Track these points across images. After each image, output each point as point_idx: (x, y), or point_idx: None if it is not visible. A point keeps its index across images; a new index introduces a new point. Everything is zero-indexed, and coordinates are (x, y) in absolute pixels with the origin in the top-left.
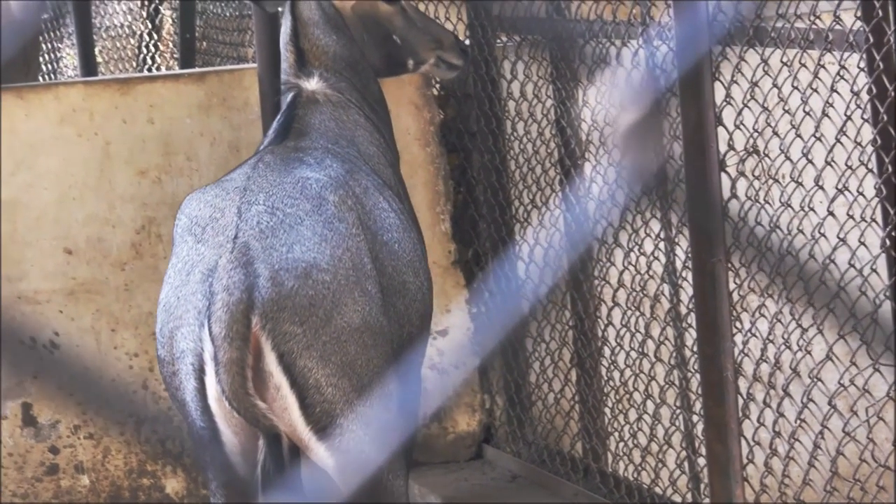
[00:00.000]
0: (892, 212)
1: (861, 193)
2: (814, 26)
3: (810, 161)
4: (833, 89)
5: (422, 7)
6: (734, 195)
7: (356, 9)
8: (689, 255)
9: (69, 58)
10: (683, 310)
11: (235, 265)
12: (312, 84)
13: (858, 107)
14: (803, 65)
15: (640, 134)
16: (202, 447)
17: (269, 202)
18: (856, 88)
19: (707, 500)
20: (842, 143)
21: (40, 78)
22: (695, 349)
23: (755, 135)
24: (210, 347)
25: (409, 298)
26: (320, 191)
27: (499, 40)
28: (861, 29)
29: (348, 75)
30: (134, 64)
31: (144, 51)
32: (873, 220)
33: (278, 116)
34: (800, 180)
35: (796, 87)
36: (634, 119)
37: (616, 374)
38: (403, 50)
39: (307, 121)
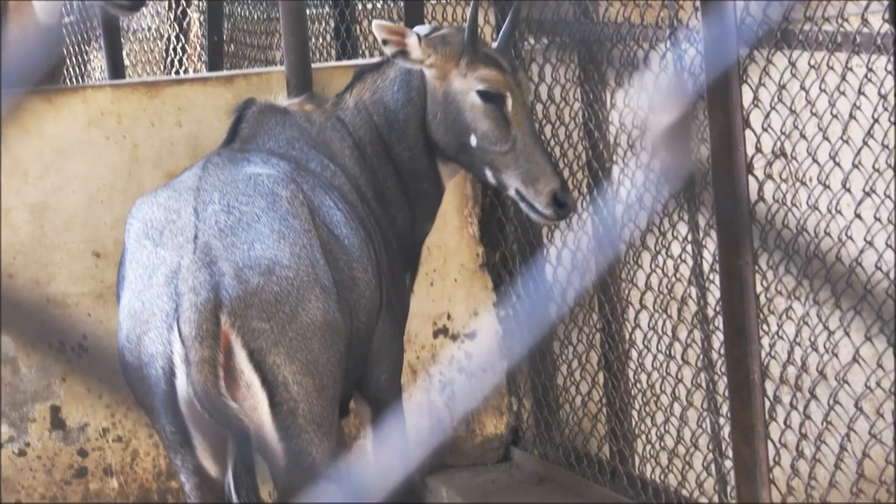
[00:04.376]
0: None
1: (888, 196)
2: (841, 29)
3: (837, 164)
4: (860, 92)
5: (449, 11)
6: (761, 198)
7: (445, 84)
8: (717, 257)
9: (97, 61)
10: (710, 312)
11: (199, 265)
12: (293, 100)
13: (886, 109)
14: (831, 67)
15: (672, 138)
16: (173, 451)
17: (224, 200)
18: (883, 91)
19: (734, 503)
20: (869, 146)
21: (68, 81)
22: (722, 352)
23: (782, 137)
24: (180, 349)
25: (357, 293)
26: (273, 187)
27: (526, 43)
28: (889, 31)
29: (377, 121)
30: (161, 67)
31: (172, 54)
32: None
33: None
34: (827, 183)
35: (824, 90)
36: (666, 123)
37: (643, 377)
38: (478, 154)
39: (256, 124)
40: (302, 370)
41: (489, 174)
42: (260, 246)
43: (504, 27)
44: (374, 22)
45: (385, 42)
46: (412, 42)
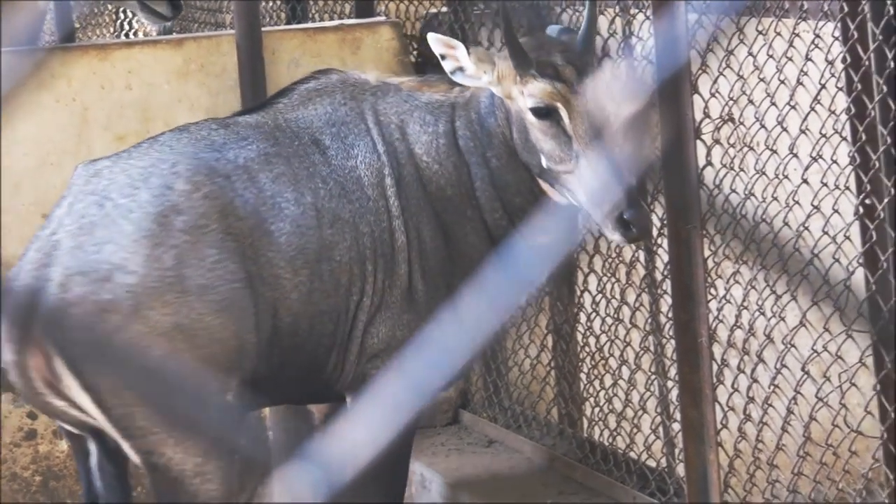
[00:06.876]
0: (865, 180)
1: (835, 161)
2: None
3: (785, 129)
4: (808, 58)
5: None
6: (709, 163)
7: (512, 103)
8: (665, 222)
9: (47, 24)
10: (659, 276)
11: (35, 266)
12: (413, 78)
13: (833, 75)
14: (778, 34)
15: (632, 126)
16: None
17: (105, 192)
18: (830, 57)
19: (681, 465)
20: (816, 112)
21: None
22: (670, 315)
23: (730, 103)
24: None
25: (279, 292)
26: (169, 178)
27: (476, 7)
28: None
29: (474, 118)
30: (112, 30)
31: (122, 16)
32: (847, 187)
33: None
34: (774, 148)
35: (771, 56)
36: (628, 113)
37: (592, 340)
38: (551, 174)
39: (303, 100)
40: (136, 376)
41: (567, 195)
42: (111, 248)
43: (582, 27)
44: (430, 35)
45: (443, 57)
46: (461, 55)
